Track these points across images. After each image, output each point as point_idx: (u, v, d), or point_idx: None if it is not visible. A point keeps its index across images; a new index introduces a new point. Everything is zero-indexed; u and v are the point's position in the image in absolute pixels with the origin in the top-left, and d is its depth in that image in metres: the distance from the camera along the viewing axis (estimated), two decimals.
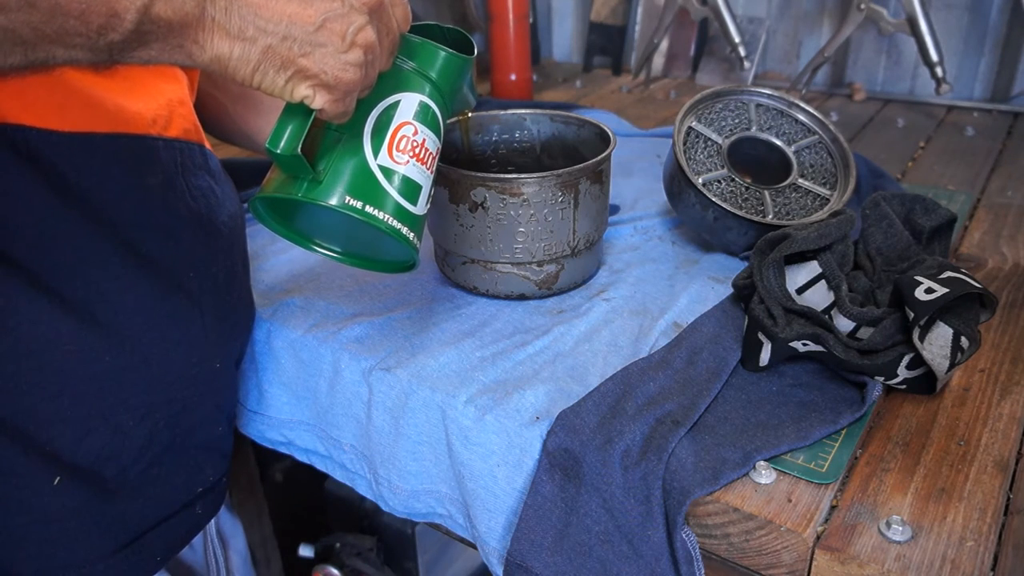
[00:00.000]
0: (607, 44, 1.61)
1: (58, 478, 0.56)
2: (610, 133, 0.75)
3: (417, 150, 0.57)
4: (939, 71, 1.19)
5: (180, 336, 0.61)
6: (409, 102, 0.57)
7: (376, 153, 0.55)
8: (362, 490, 0.72)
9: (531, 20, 1.45)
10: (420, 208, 0.58)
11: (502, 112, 0.83)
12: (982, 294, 0.60)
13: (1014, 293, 0.76)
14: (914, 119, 1.28)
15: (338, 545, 1.11)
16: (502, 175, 0.68)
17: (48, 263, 0.54)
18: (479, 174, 0.68)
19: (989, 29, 1.31)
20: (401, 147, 0.56)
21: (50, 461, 0.55)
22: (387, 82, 0.56)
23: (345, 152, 0.54)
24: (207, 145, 0.66)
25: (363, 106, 0.55)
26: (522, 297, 0.75)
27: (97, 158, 0.55)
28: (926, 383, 0.61)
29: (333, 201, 0.53)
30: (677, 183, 0.82)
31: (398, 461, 0.67)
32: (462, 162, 0.82)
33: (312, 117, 0.50)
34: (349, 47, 0.48)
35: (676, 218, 0.91)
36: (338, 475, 0.74)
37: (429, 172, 0.59)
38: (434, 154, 0.59)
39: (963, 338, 0.58)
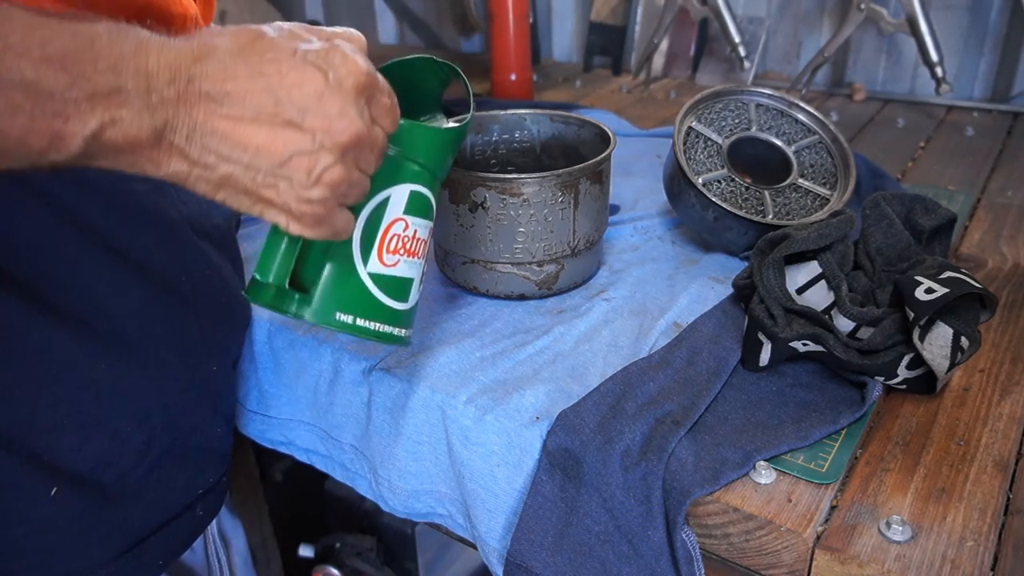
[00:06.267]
0: (607, 44, 1.61)
1: (56, 488, 0.55)
2: (610, 133, 0.75)
3: (408, 244, 0.55)
4: (939, 71, 1.19)
5: (176, 340, 0.61)
6: (399, 195, 0.54)
7: (366, 261, 0.53)
8: (362, 490, 0.72)
9: (531, 20, 1.45)
10: (412, 300, 0.57)
11: (502, 112, 0.83)
12: (982, 294, 0.60)
13: (1014, 293, 0.76)
14: (914, 119, 1.28)
15: (338, 545, 1.11)
16: (502, 175, 0.68)
17: (40, 273, 0.53)
18: (479, 174, 0.68)
19: (989, 29, 1.31)
20: (392, 247, 0.54)
21: (48, 471, 0.55)
22: (375, 178, 0.52)
23: (334, 265, 0.52)
24: None
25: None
26: (522, 297, 0.75)
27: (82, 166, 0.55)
28: (926, 383, 0.61)
29: (324, 320, 0.52)
30: (677, 183, 0.82)
31: (398, 461, 0.67)
32: (462, 162, 0.82)
33: (300, 241, 0.48)
34: (314, 183, 0.45)
35: (676, 218, 0.91)
36: (338, 475, 0.74)
37: (421, 260, 0.57)
38: (426, 239, 0.57)
39: (963, 338, 0.58)
